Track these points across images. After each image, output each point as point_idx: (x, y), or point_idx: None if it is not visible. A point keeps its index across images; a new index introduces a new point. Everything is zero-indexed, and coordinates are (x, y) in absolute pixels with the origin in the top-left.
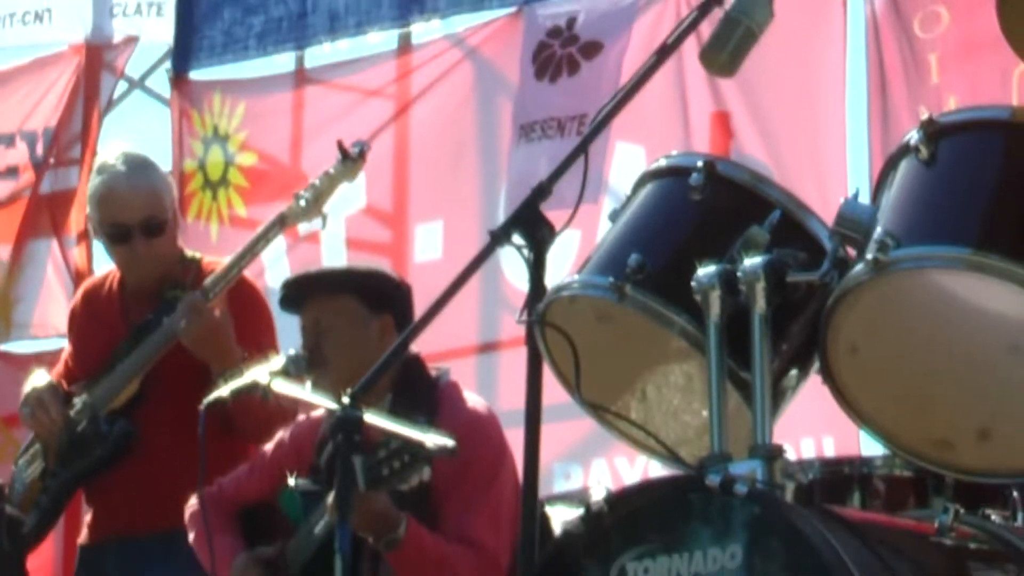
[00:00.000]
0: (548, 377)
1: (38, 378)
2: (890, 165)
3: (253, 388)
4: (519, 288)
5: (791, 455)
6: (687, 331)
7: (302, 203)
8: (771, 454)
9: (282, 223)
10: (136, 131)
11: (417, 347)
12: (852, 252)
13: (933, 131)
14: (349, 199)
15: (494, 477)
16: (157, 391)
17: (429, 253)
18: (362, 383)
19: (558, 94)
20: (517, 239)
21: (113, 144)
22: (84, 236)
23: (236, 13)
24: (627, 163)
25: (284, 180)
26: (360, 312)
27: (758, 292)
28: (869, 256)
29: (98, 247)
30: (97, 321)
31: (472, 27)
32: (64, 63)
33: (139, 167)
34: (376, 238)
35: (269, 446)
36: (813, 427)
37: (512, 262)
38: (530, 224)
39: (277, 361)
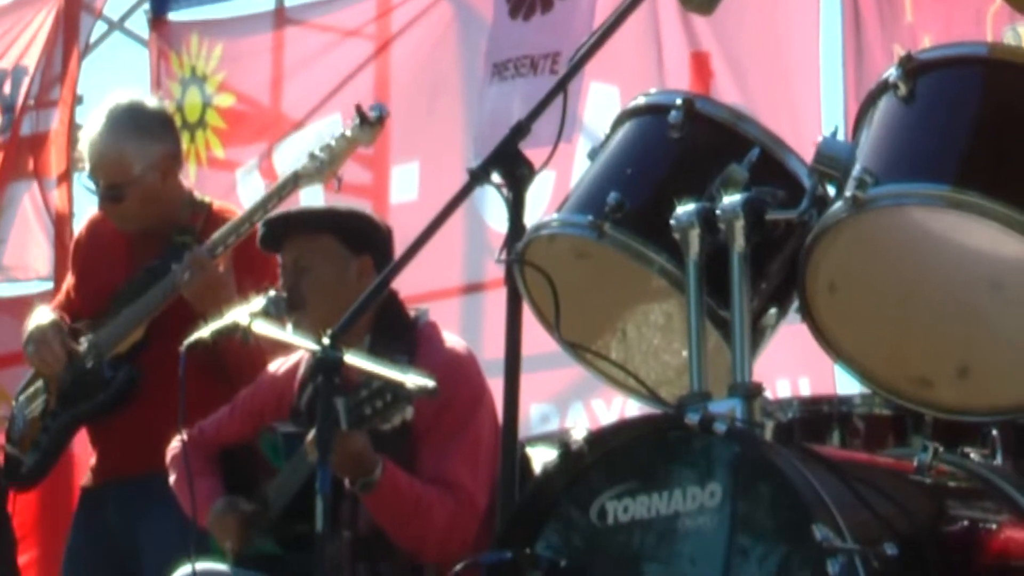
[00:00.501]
0: (531, 326)
1: (41, 315)
2: (868, 102)
3: (233, 330)
4: (499, 231)
5: (768, 395)
6: (666, 270)
7: (315, 163)
8: (750, 393)
9: (295, 181)
10: (115, 73)
11: (401, 288)
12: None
13: (912, 68)
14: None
15: (472, 417)
16: (161, 338)
17: (405, 194)
18: (341, 323)
19: (531, 32)
20: (496, 178)
21: (117, 92)
22: (65, 177)
23: None
24: (601, 103)
25: (264, 121)
26: (340, 252)
27: (737, 230)
28: (848, 194)
29: (79, 189)
30: (103, 257)
31: None
32: (43, 3)
33: (114, 127)
34: (356, 180)
35: (249, 388)
36: (789, 368)
37: (491, 206)
38: (509, 163)
39: (257, 302)
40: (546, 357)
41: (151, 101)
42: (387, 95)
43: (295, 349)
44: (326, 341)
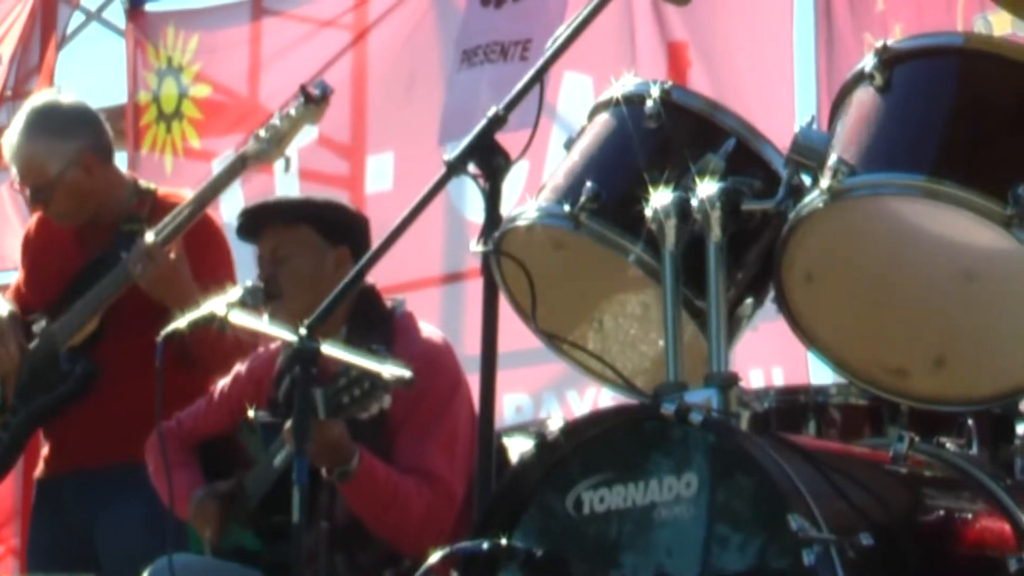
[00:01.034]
0: (509, 321)
1: None
2: (844, 92)
3: (210, 320)
4: (476, 222)
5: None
6: (643, 260)
7: (262, 144)
8: (726, 382)
9: (243, 163)
10: (92, 64)
11: (381, 278)
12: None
13: (888, 58)
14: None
15: (448, 407)
16: (117, 327)
17: (380, 184)
18: (318, 314)
19: (503, 19)
20: (473, 168)
21: (36, 94)
22: None
23: None
24: (575, 92)
25: (241, 111)
26: (317, 242)
27: (713, 221)
28: (824, 184)
29: None
30: (53, 249)
31: None
32: None
33: (28, 131)
34: (333, 170)
35: (227, 380)
36: (762, 358)
37: (469, 196)
38: (486, 153)
39: (234, 293)
40: (524, 354)
41: (66, 98)
42: (364, 85)
43: (272, 339)
44: (303, 332)
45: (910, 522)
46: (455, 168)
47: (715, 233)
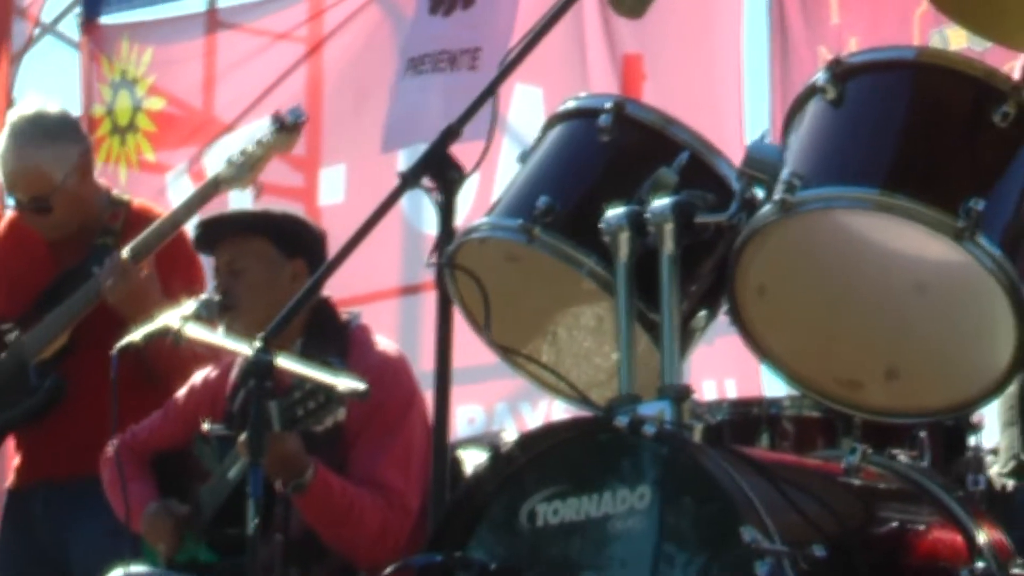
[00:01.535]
0: (464, 337)
1: None
2: (797, 106)
3: (165, 333)
4: (432, 235)
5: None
6: (596, 273)
7: (233, 170)
8: (679, 395)
9: (215, 187)
10: (48, 76)
11: (339, 290)
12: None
13: (840, 71)
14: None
15: (403, 419)
16: (87, 343)
17: (332, 196)
18: (272, 326)
19: (451, 27)
20: (427, 181)
21: (27, 99)
22: None
23: None
24: (526, 104)
25: (195, 124)
26: (273, 255)
27: (666, 233)
28: (776, 197)
29: None
30: (25, 258)
31: None
32: None
33: (25, 140)
34: (287, 182)
35: (182, 392)
36: (716, 370)
37: (422, 209)
38: (440, 167)
39: (189, 305)
40: (479, 369)
41: (52, 107)
42: (319, 97)
43: (227, 352)
44: (258, 344)
45: (863, 534)
46: (409, 181)
47: (668, 246)
